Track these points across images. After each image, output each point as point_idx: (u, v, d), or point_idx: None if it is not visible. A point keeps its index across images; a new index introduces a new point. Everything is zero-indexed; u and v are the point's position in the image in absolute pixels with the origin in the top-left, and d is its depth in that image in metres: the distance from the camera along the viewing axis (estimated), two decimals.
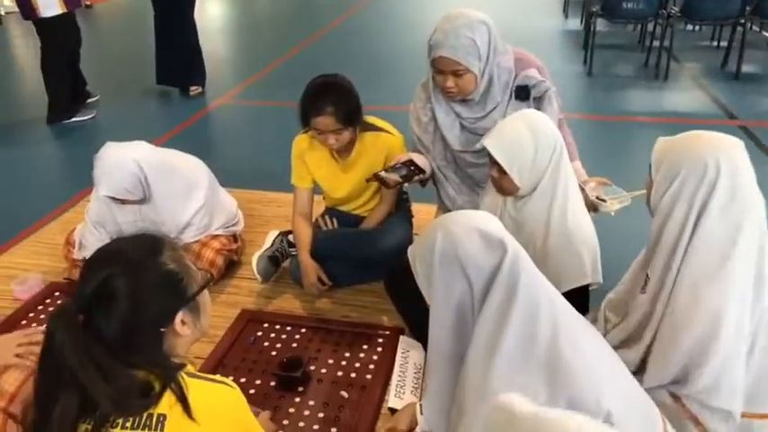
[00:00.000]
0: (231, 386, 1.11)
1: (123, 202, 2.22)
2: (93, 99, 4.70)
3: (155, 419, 1.02)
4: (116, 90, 5.08)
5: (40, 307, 2.29)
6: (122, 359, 1.02)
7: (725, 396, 1.38)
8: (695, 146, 1.44)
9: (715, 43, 6.08)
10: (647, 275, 1.53)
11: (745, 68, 5.03)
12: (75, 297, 1.05)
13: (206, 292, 1.19)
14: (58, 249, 2.58)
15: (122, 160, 2.14)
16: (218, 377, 1.12)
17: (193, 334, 1.15)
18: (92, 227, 2.35)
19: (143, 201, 2.24)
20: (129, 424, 1.01)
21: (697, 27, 6.63)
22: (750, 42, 5.13)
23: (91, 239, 2.33)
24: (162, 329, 1.08)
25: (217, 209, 2.44)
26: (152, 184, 2.21)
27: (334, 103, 2.04)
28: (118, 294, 1.04)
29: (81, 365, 0.97)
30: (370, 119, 2.27)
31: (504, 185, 1.79)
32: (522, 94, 2.17)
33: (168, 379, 1.03)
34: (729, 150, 1.42)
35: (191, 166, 2.40)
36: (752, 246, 1.39)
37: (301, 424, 1.74)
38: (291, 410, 1.79)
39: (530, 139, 1.71)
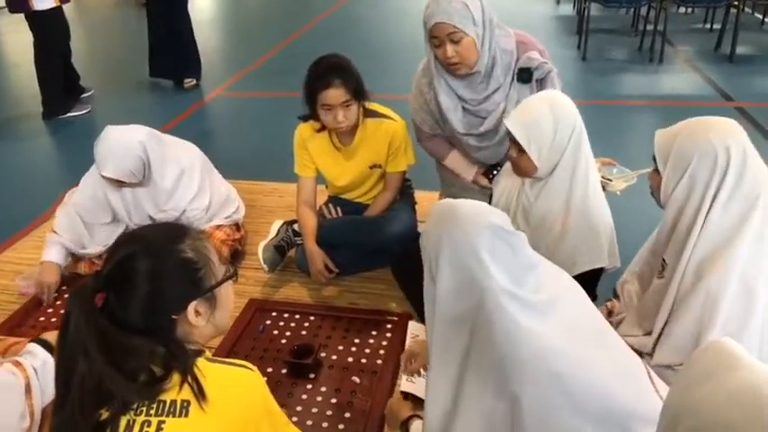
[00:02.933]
0: (251, 369, 1.11)
1: (121, 184, 2.22)
2: (88, 94, 4.66)
3: (179, 405, 1.02)
4: (110, 84, 5.05)
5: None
6: (135, 342, 1.02)
7: None
8: (700, 133, 1.43)
9: (708, 26, 6.08)
10: (663, 261, 1.54)
11: (739, 50, 5.05)
12: (93, 277, 1.06)
13: (229, 287, 1.18)
14: None
15: (129, 142, 2.16)
16: (237, 361, 1.12)
17: (209, 326, 1.14)
18: (70, 209, 2.34)
19: (140, 184, 2.25)
20: (152, 411, 1.02)
21: (689, 10, 6.65)
22: (743, 24, 5.14)
23: (64, 222, 2.33)
24: (173, 316, 1.08)
25: (215, 197, 2.44)
26: (152, 167, 2.23)
27: (340, 75, 2.06)
28: (132, 276, 1.04)
29: (92, 345, 0.98)
30: (372, 105, 2.26)
31: (523, 165, 1.78)
32: (525, 76, 2.18)
33: (180, 364, 1.03)
34: (735, 134, 1.43)
35: (184, 152, 2.40)
36: (760, 227, 1.41)
37: (314, 410, 1.75)
38: (304, 397, 1.80)
39: (549, 118, 1.70)
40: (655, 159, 1.52)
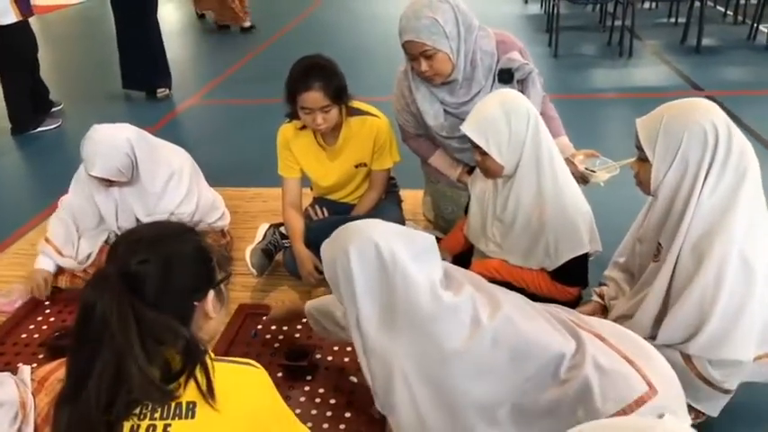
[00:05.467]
0: (257, 367, 1.10)
1: (110, 184, 2.19)
2: (58, 108, 4.56)
3: (184, 407, 0.99)
4: (80, 97, 4.94)
5: (28, 317, 2.21)
6: (166, 320, 0.99)
7: (733, 347, 1.41)
8: (685, 115, 1.46)
9: (672, 20, 6.22)
10: (659, 244, 1.55)
11: (705, 42, 5.15)
12: (112, 264, 1.02)
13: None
14: None
15: (117, 140, 2.14)
16: (241, 359, 1.10)
17: (215, 322, 1.13)
18: (64, 215, 2.31)
19: (128, 183, 2.22)
20: (157, 414, 0.98)
21: (654, 5, 6.79)
22: (706, 17, 5.25)
23: (56, 228, 2.28)
24: (195, 303, 1.07)
25: (202, 202, 2.41)
26: (140, 166, 2.20)
27: (321, 78, 2.03)
28: (159, 258, 1.02)
29: (126, 335, 0.94)
30: (355, 103, 2.25)
31: (489, 167, 1.80)
32: (506, 76, 2.18)
33: (194, 360, 1.00)
34: (716, 111, 1.46)
35: (173, 155, 2.38)
36: (750, 199, 1.43)
37: (314, 412, 1.72)
38: (302, 399, 1.77)
39: (501, 114, 1.73)
40: (639, 148, 1.53)
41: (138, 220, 2.27)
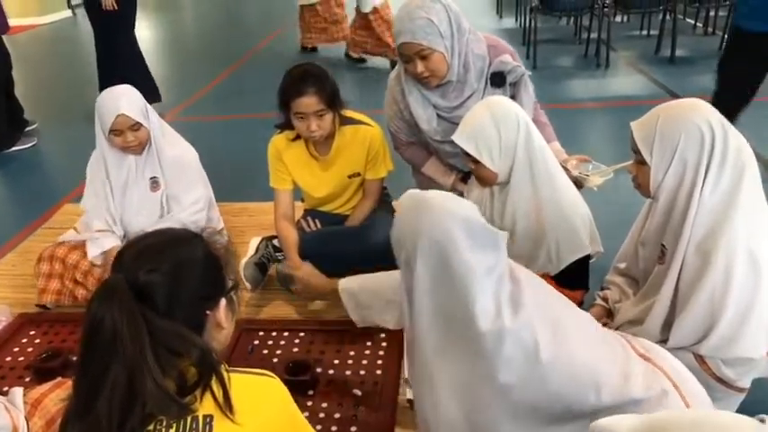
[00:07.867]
0: (272, 377, 1.06)
1: (126, 148, 2.22)
2: (32, 127, 4.45)
3: (201, 421, 0.94)
4: (56, 116, 4.83)
5: (12, 339, 2.11)
6: (179, 329, 0.95)
7: (744, 345, 1.40)
8: (680, 115, 1.46)
9: (645, 32, 6.34)
10: (663, 246, 1.54)
11: (677, 52, 5.26)
12: (119, 274, 0.97)
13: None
14: (20, 280, 2.45)
15: (134, 90, 2.25)
16: (256, 369, 1.06)
17: (228, 331, 1.09)
18: (91, 199, 2.32)
19: (143, 144, 2.25)
20: (173, 430, 0.93)
21: (626, 18, 6.93)
22: (677, 29, 5.38)
23: (91, 201, 2.30)
24: (207, 312, 1.02)
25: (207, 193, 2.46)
26: (153, 128, 2.26)
27: (315, 83, 2.02)
28: (165, 268, 0.98)
29: (139, 347, 0.89)
30: (347, 112, 2.23)
31: (483, 174, 1.80)
32: (498, 79, 2.18)
33: (210, 370, 0.95)
34: (710, 110, 1.47)
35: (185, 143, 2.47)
36: (751, 195, 1.43)
37: (318, 427, 1.67)
38: (306, 414, 1.71)
39: (490, 121, 1.73)
40: (635, 151, 1.53)
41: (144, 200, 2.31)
